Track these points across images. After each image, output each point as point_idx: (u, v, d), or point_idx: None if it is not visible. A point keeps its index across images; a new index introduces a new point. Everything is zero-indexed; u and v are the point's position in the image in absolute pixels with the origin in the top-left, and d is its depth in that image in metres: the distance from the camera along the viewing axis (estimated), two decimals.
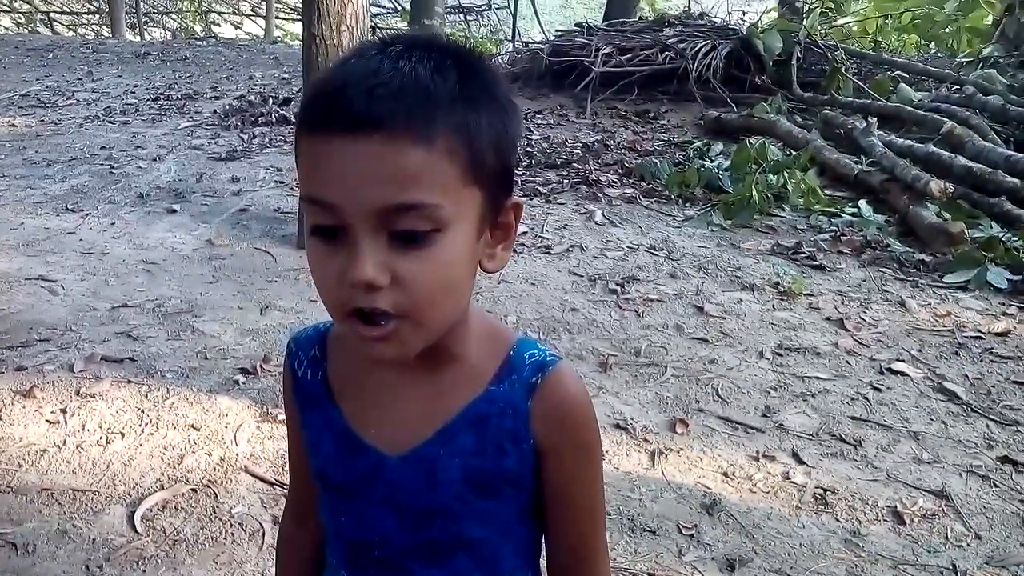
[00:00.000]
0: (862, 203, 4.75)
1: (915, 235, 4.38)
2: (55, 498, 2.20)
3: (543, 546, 0.88)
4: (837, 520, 2.22)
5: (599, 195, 5.05)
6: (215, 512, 2.18)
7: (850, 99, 6.78)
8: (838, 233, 4.42)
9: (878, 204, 4.80)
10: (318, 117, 0.69)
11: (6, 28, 17.16)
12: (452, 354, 0.79)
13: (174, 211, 4.63)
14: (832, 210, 4.75)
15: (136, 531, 2.09)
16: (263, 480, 2.29)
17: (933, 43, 10.33)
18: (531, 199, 4.96)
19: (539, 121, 6.95)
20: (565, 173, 5.49)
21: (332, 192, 0.68)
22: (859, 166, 5.15)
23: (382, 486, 0.81)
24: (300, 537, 0.96)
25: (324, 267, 0.71)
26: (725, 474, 2.41)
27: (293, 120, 6.59)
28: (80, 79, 8.83)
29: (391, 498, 0.81)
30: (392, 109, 0.66)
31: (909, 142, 5.36)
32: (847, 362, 3.09)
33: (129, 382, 2.78)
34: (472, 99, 0.70)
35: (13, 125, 6.77)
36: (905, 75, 7.55)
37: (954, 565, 2.06)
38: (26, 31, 16.43)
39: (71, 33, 16.73)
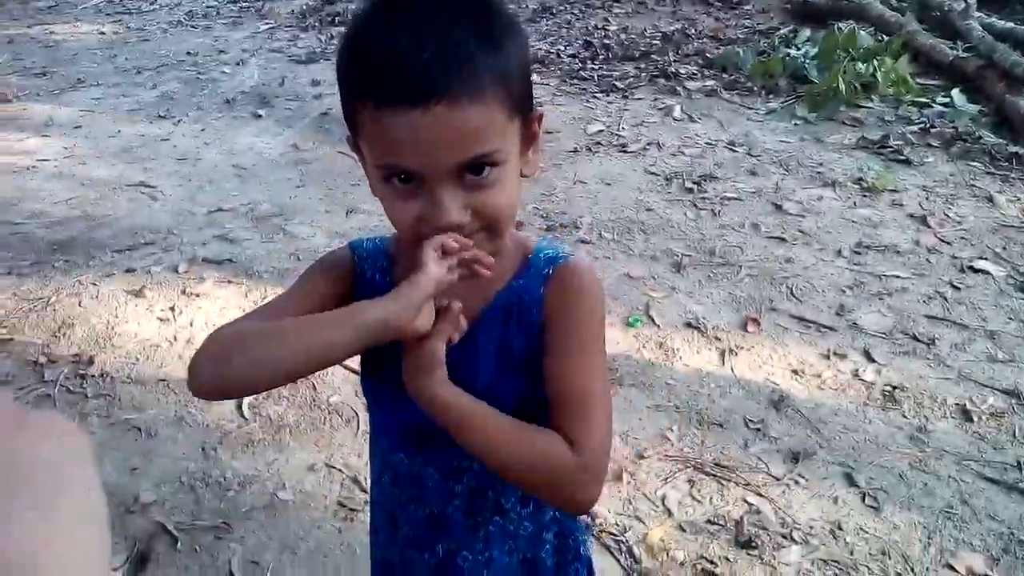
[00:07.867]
0: (955, 92, 4.53)
1: (1011, 126, 4.17)
2: (171, 388, 2.44)
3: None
4: (904, 417, 2.27)
5: (678, 89, 4.95)
6: (314, 401, 2.38)
7: None
8: (928, 125, 4.25)
9: (973, 93, 4.56)
10: (380, 90, 0.75)
11: None
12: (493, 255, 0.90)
13: (259, 116, 4.78)
14: (923, 100, 4.54)
15: (244, 418, 2.31)
16: (355, 372, 2.47)
17: None
18: (608, 95, 4.91)
19: (616, 10, 6.76)
20: (643, 66, 5.38)
21: (408, 159, 0.77)
22: (955, 52, 4.87)
23: None
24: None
25: (401, 210, 0.80)
26: (794, 371, 2.47)
27: None
28: None
29: None
30: (447, 78, 0.73)
31: (1011, 24, 5.02)
32: (927, 260, 3.06)
33: (229, 282, 2.99)
34: (500, 43, 0.77)
35: (102, 32, 6.98)
36: None
37: (1019, 462, 2.10)
38: None
39: None
